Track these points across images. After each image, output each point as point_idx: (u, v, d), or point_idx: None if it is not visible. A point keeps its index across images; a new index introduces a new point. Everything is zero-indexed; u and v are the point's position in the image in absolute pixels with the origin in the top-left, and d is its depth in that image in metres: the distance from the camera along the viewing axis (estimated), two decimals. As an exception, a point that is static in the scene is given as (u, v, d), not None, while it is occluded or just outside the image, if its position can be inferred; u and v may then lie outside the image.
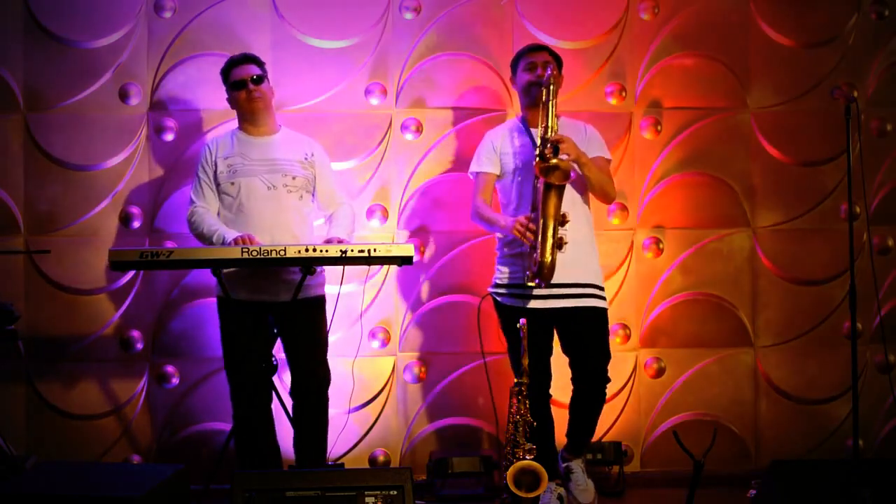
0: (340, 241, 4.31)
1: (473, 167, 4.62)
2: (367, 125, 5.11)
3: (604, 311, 4.45)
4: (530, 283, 4.30)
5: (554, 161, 4.22)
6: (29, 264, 4.97)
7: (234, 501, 3.66)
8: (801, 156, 5.24)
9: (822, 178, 5.24)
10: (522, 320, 4.30)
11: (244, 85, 4.45)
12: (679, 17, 5.22)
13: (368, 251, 4.18)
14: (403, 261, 4.26)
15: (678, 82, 5.21)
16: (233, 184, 4.41)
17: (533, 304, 4.37)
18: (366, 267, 4.81)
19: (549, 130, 4.29)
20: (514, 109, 5.11)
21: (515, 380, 4.36)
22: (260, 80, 4.47)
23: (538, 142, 4.35)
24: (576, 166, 4.33)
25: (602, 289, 4.47)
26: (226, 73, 4.51)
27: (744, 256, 5.21)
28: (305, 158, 4.50)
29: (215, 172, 4.44)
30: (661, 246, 5.16)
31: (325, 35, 5.11)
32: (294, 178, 4.44)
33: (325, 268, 4.49)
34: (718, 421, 5.13)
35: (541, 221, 4.25)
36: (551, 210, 4.24)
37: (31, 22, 5.02)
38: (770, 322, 5.21)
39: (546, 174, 4.22)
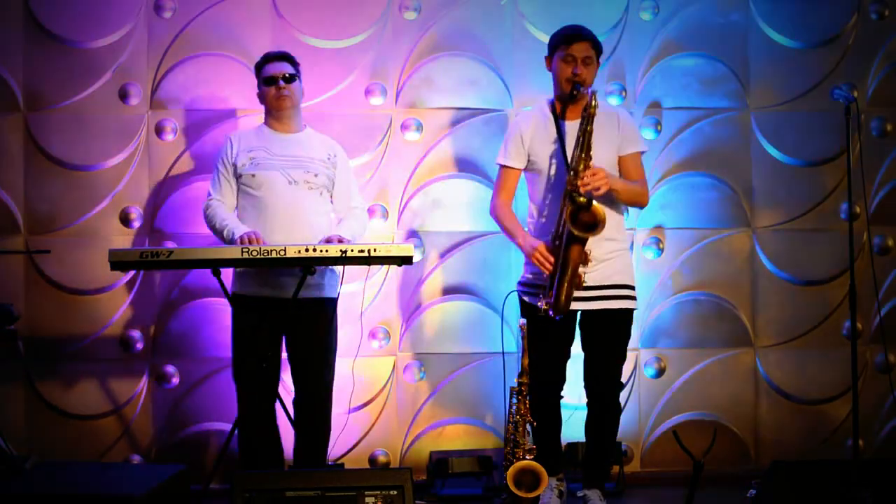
0: (341, 240, 4.31)
1: (500, 157, 4.47)
2: (367, 125, 5.11)
3: (631, 312, 4.38)
4: (542, 314, 4.23)
5: (585, 205, 4.12)
6: (29, 264, 4.97)
7: (234, 501, 3.66)
8: (801, 156, 5.25)
9: (822, 178, 5.24)
10: (522, 320, 4.30)
11: (275, 82, 4.45)
12: (679, 17, 5.22)
13: (368, 251, 4.18)
14: (403, 261, 4.26)
15: (678, 82, 5.22)
16: (254, 176, 4.41)
17: None
18: (366, 267, 4.80)
19: (582, 162, 4.16)
20: (515, 108, 5.12)
21: (516, 379, 4.37)
22: (291, 78, 4.47)
23: (569, 156, 4.23)
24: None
25: (633, 287, 4.38)
26: (260, 67, 4.52)
27: (744, 256, 5.21)
28: (328, 158, 4.51)
29: (236, 165, 4.44)
30: (661, 246, 5.16)
31: (325, 35, 5.11)
32: (316, 176, 4.44)
33: (338, 269, 4.49)
34: (718, 421, 5.13)
35: (561, 262, 4.17)
36: (574, 255, 4.16)
37: (31, 22, 5.01)
38: (770, 322, 5.21)
39: (574, 221, 4.11)
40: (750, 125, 5.23)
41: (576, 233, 4.11)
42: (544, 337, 4.30)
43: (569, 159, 4.25)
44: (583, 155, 4.16)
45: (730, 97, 5.23)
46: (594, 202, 4.15)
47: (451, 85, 5.15)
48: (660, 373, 5.16)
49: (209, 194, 4.49)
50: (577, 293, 4.25)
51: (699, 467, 3.92)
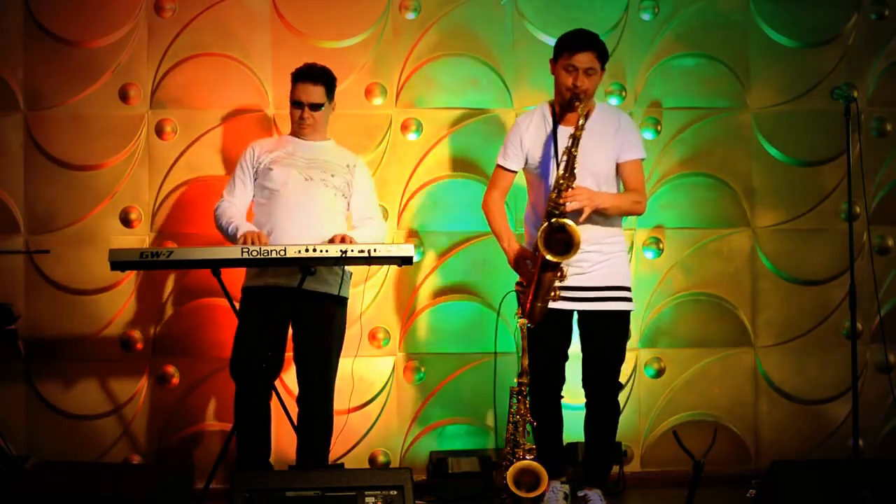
0: (343, 240, 4.31)
1: (499, 157, 4.44)
2: (367, 125, 5.11)
3: (628, 313, 4.36)
4: (519, 321, 4.27)
5: (561, 227, 4.10)
6: (29, 264, 4.97)
7: (234, 501, 3.66)
8: (801, 156, 5.25)
9: (822, 178, 5.24)
10: (522, 320, 4.30)
11: (300, 107, 4.48)
12: (679, 17, 5.22)
13: (368, 251, 4.18)
14: (403, 261, 4.26)
15: (678, 82, 5.21)
16: (271, 170, 4.45)
17: (557, 304, 4.28)
18: (366, 267, 4.81)
19: (565, 182, 4.12)
20: (515, 109, 5.12)
21: (517, 379, 4.37)
22: (318, 107, 4.49)
23: (559, 168, 4.18)
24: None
25: (629, 289, 4.36)
26: (294, 79, 4.52)
27: (744, 256, 5.21)
28: (347, 166, 4.54)
29: (257, 166, 4.49)
30: (661, 246, 5.16)
31: (324, 35, 5.11)
32: (333, 176, 4.48)
33: (350, 269, 4.50)
34: (718, 421, 5.13)
35: (536, 279, 4.19)
36: (548, 276, 4.19)
37: (31, 22, 5.02)
38: (770, 322, 5.21)
39: (549, 242, 4.10)
40: (750, 125, 5.23)
41: (549, 258, 4.12)
42: (542, 338, 4.29)
43: (556, 170, 4.22)
44: (566, 174, 4.15)
45: (730, 97, 5.23)
46: (572, 224, 4.12)
47: (451, 85, 5.15)
48: (659, 373, 5.16)
49: (222, 196, 4.54)
50: (574, 294, 4.27)
51: (699, 467, 3.91)
